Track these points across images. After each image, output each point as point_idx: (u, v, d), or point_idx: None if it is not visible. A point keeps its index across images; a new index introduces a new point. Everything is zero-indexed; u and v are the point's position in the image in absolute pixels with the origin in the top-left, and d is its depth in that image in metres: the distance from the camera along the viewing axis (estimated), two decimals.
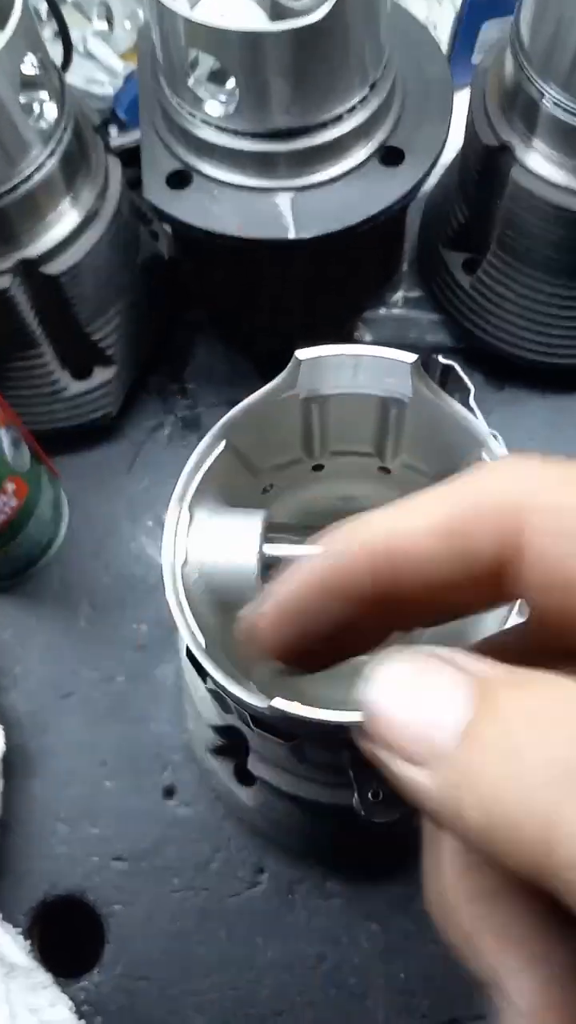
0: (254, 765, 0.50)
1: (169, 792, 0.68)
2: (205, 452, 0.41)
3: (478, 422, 0.39)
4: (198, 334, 0.81)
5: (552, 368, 0.74)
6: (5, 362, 0.70)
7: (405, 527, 0.24)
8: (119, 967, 0.64)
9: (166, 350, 0.80)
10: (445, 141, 0.63)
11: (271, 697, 0.37)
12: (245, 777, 0.61)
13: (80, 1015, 0.63)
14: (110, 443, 0.78)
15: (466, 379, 0.41)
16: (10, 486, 0.65)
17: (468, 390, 0.41)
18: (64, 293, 0.66)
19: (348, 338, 0.76)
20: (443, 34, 0.79)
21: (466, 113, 0.67)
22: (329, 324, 0.76)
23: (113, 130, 0.83)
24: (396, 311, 0.79)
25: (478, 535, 0.23)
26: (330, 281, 0.69)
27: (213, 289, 0.76)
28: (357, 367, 0.40)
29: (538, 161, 0.63)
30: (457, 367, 0.42)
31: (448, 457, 0.43)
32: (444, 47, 0.80)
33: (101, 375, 0.73)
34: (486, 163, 0.65)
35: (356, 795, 0.39)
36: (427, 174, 0.62)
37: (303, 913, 0.65)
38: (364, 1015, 0.62)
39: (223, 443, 0.41)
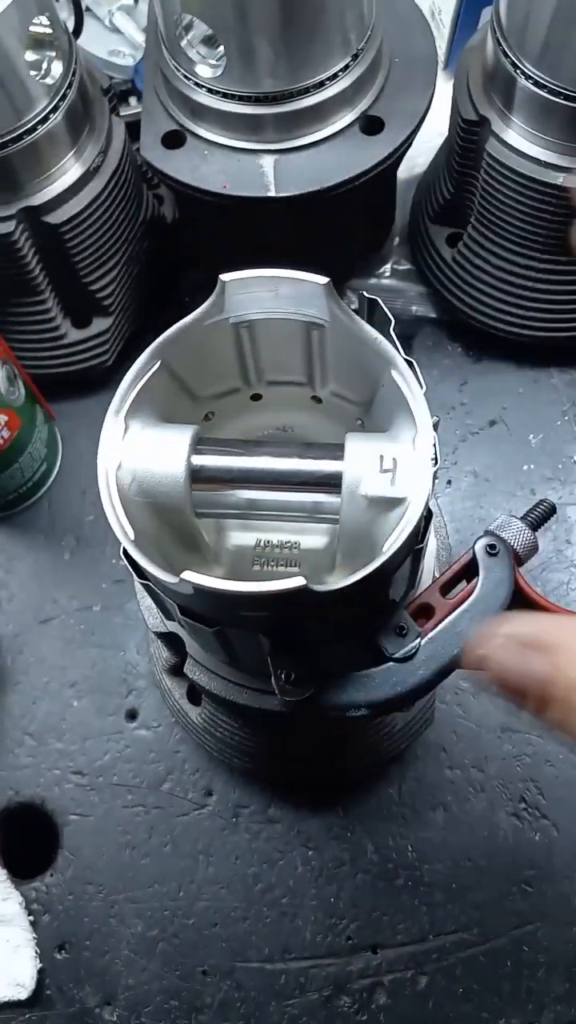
0: (191, 670, 0.54)
1: (132, 715, 0.73)
2: (141, 370, 0.45)
3: (384, 341, 0.43)
4: (199, 293, 0.85)
5: (526, 341, 0.77)
6: (9, 307, 0.75)
7: None
8: (70, 872, 0.69)
9: (167, 307, 0.85)
10: (425, 114, 0.67)
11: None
12: (194, 697, 0.65)
13: (30, 912, 0.67)
14: (105, 392, 0.83)
15: (387, 312, 0.45)
16: (2, 418, 0.70)
17: (389, 322, 0.44)
18: (65, 242, 0.71)
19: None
20: (447, 17, 0.83)
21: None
22: None
23: (133, 100, 0.88)
24: (385, 281, 0.83)
25: None
26: (316, 242, 0.73)
27: (209, 248, 0.80)
28: (277, 291, 0.43)
29: (514, 136, 0.66)
30: (380, 301, 0.45)
31: (369, 384, 0.46)
32: (447, 30, 0.84)
33: (99, 325, 0.78)
34: (466, 137, 0.69)
35: (272, 677, 0.43)
36: (405, 144, 0.66)
37: (245, 836, 0.69)
38: (293, 933, 0.66)
39: (158, 363, 0.45)
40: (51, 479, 0.81)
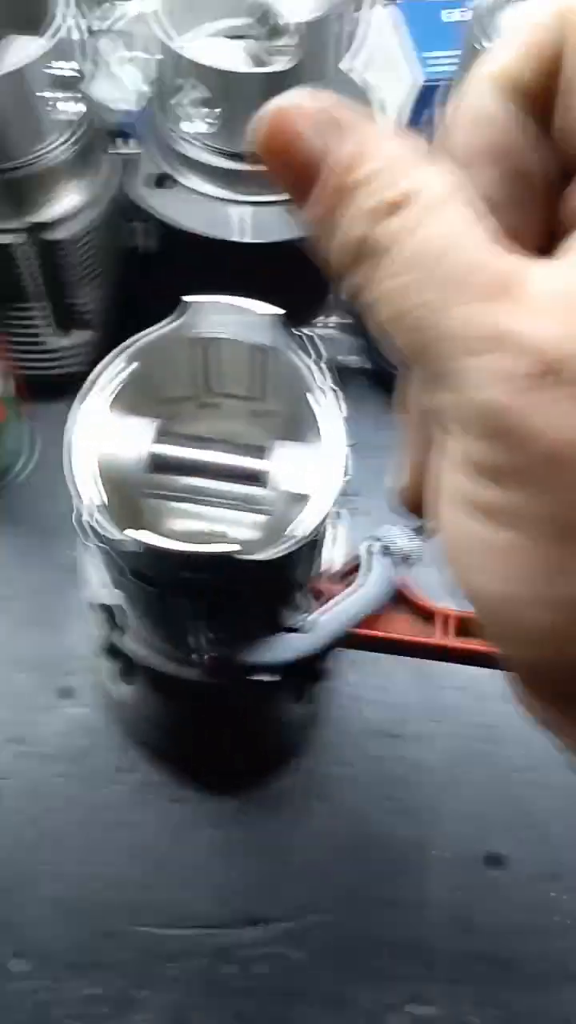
0: (126, 640, 0.61)
1: (67, 693, 0.79)
2: (111, 365, 0.53)
3: (314, 369, 0.51)
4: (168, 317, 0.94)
5: None
6: (2, 310, 0.83)
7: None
8: None
9: (139, 327, 0.93)
10: None
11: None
12: (124, 675, 0.72)
13: None
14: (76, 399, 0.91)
15: (320, 347, 0.53)
16: None
17: (322, 355, 0.53)
18: (60, 258, 0.79)
19: None
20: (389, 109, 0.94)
21: None
22: None
23: (132, 141, 0.97)
24: (328, 331, 0.92)
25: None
26: (270, 287, 0.81)
27: (182, 280, 0.89)
28: (232, 316, 0.52)
29: None
30: (316, 338, 0.54)
31: (299, 402, 0.54)
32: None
33: (79, 336, 0.87)
34: None
35: (196, 636, 0.50)
36: None
37: (153, 813, 0.75)
38: (186, 903, 0.72)
39: (125, 362, 0.53)
40: (20, 472, 0.88)
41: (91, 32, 0.86)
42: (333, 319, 0.92)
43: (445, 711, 0.78)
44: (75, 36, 0.80)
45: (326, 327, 0.92)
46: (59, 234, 0.78)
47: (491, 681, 0.78)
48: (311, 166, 0.24)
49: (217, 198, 0.74)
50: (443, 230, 0.22)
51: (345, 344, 0.91)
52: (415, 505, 0.31)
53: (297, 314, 0.90)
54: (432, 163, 0.23)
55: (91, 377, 0.52)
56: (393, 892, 0.72)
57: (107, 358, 0.53)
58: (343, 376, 0.92)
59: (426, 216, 0.22)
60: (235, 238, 0.72)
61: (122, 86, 0.96)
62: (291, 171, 0.24)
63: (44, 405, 0.90)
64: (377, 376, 0.90)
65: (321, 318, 0.92)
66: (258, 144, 0.25)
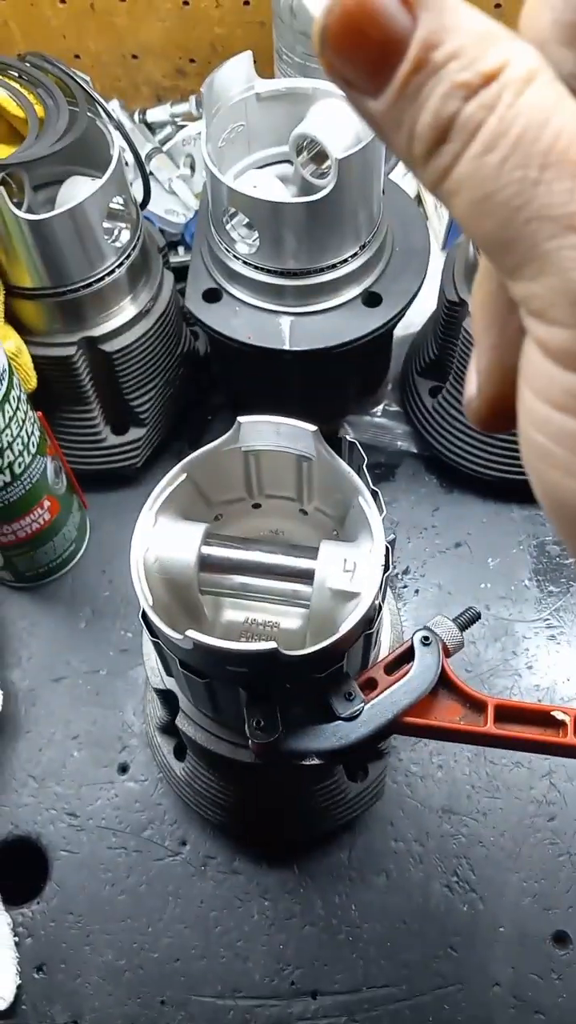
0: (181, 722, 0.66)
1: (123, 768, 0.83)
2: (171, 479, 0.59)
3: (355, 475, 0.56)
4: (218, 413, 1.01)
5: (489, 479, 0.91)
6: (62, 413, 0.90)
7: None
8: (55, 901, 0.78)
9: (190, 422, 1.00)
10: (416, 294, 0.83)
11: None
12: (180, 753, 0.76)
13: (15, 934, 0.77)
14: (132, 489, 0.97)
15: (362, 452, 0.59)
16: (47, 503, 0.84)
17: (363, 459, 0.58)
18: (115, 366, 0.87)
19: (333, 434, 0.95)
20: (445, 210, 1.01)
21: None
22: (318, 420, 0.95)
23: (181, 249, 1.06)
24: (377, 419, 0.98)
25: None
26: (320, 386, 0.88)
27: (232, 381, 0.96)
28: (279, 431, 0.58)
29: None
30: (358, 444, 0.59)
31: (343, 504, 0.60)
32: (446, 220, 1.02)
33: (134, 433, 0.93)
34: (449, 314, 0.85)
35: (246, 723, 0.54)
36: (397, 316, 0.82)
37: (211, 883, 0.78)
38: (243, 973, 0.75)
39: (185, 475, 0.59)
40: (77, 558, 0.94)
41: (145, 157, 0.95)
42: (383, 408, 0.98)
43: (502, 787, 0.81)
44: (129, 159, 0.89)
45: (379, 416, 0.98)
46: (113, 346, 0.85)
47: (547, 757, 0.81)
48: (392, 43, 0.22)
49: (263, 309, 0.81)
50: (540, 103, 0.21)
51: (397, 431, 0.97)
52: (486, 415, 0.30)
53: (346, 408, 0.97)
54: (515, 38, 0.22)
55: (155, 493, 0.58)
56: (456, 969, 0.74)
57: (168, 475, 0.58)
58: (395, 459, 0.98)
59: (521, 89, 0.21)
60: (285, 346, 0.78)
61: (175, 199, 1.04)
62: (368, 52, 0.22)
63: (99, 496, 0.97)
64: (428, 460, 0.95)
65: (376, 408, 0.98)
66: (332, 25, 0.22)
